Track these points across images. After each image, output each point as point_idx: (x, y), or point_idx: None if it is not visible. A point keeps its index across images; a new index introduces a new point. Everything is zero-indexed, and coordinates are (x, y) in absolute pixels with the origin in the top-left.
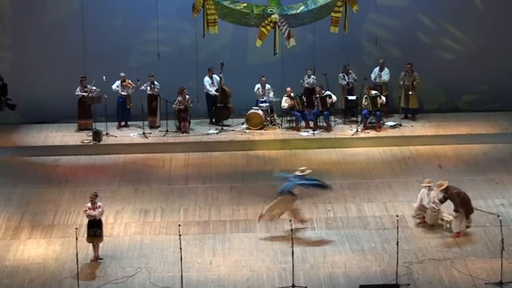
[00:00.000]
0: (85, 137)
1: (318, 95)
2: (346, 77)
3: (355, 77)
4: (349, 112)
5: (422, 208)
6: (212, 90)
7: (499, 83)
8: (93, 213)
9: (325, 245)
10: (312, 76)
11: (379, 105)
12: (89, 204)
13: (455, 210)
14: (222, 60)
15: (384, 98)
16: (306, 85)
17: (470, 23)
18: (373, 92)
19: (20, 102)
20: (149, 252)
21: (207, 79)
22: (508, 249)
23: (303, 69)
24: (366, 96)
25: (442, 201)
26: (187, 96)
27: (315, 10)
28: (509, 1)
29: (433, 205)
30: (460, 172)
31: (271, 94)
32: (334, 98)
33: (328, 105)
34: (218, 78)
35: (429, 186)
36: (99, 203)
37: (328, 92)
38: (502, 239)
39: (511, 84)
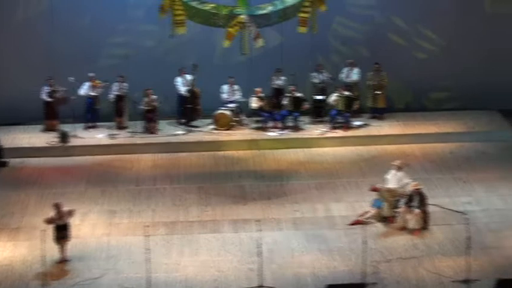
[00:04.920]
0: (51, 139)
1: (290, 95)
2: (320, 75)
3: (328, 76)
4: (316, 112)
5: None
6: (183, 90)
7: (465, 82)
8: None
9: (293, 245)
10: (281, 77)
11: (353, 108)
12: (53, 214)
13: (421, 210)
14: (193, 62)
15: (358, 103)
16: (274, 86)
17: (436, 23)
18: (346, 92)
19: None
20: (117, 254)
21: (179, 79)
22: (474, 247)
23: (271, 69)
24: (338, 95)
25: (409, 198)
26: (153, 97)
27: (282, 10)
28: (475, 1)
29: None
30: (427, 171)
31: (238, 94)
32: (308, 105)
33: (301, 109)
34: (189, 78)
35: (399, 167)
36: (66, 209)
37: (300, 94)
38: (469, 236)
39: (477, 83)
